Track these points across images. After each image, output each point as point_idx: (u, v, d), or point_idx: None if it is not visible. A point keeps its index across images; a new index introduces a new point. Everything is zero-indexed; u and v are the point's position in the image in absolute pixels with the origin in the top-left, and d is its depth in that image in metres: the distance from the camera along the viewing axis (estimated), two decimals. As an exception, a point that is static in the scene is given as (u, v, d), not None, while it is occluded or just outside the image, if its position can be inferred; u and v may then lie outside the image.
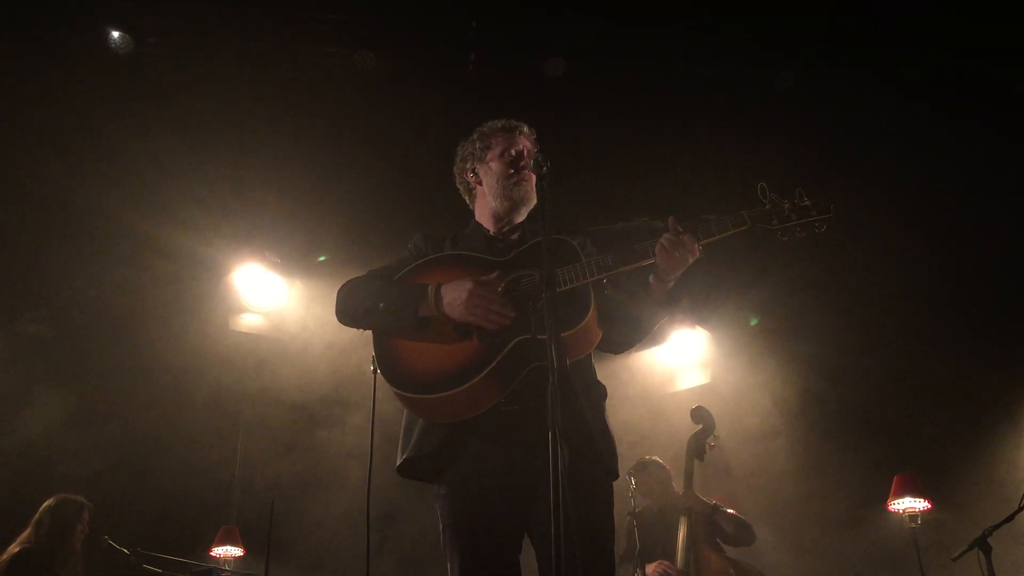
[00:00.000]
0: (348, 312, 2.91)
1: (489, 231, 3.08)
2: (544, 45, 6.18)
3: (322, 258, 7.51)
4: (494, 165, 3.06)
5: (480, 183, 3.12)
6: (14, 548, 5.14)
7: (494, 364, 2.62)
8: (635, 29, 6.07)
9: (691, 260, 2.70)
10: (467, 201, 3.25)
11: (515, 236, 3.03)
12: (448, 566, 2.73)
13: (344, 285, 2.96)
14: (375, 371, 2.82)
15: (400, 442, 2.85)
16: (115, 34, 5.85)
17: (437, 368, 2.69)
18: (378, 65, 6.16)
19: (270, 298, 7.49)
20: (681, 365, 8.24)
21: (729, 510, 5.34)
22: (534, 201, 3.02)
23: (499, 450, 2.70)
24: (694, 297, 2.73)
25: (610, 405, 2.95)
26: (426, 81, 6.32)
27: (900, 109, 6.36)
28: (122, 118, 6.14)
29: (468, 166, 3.16)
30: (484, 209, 3.12)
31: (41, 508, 5.30)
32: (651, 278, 2.78)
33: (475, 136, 3.16)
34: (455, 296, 2.69)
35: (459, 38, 6.12)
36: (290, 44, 6.11)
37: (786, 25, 6.00)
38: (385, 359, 2.79)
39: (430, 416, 2.76)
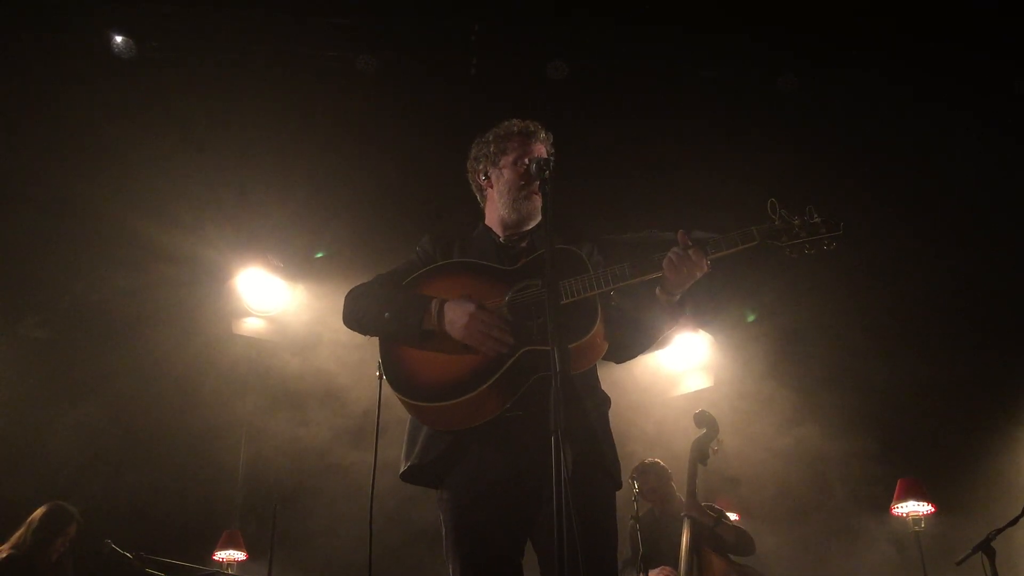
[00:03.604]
0: (355, 319, 2.90)
1: (498, 237, 3.03)
2: (546, 48, 6.19)
3: (319, 254, 7.51)
4: (506, 173, 3.00)
5: (491, 186, 3.07)
6: (4, 551, 5.15)
7: (499, 374, 2.62)
8: (637, 32, 6.07)
9: (699, 275, 2.69)
10: (478, 199, 3.20)
11: (524, 244, 3.00)
12: (449, 570, 2.72)
13: (351, 291, 2.94)
14: (381, 376, 2.82)
15: (404, 449, 2.85)
16: (118, 38, 5.87)
17: (443, 377, 2.68)
18: (380, 69, 6.17)
19: (273, 302, 7.50)
20: (684, 369, 8.23)
21: (732, 515, 5.32)
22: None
23: (502, 455, 2.69)
24: (698, 302, 2.74)
25: (612, 409, 2.94)
26: (428, 85, 6.32)
27: (905, 110, 6.35)
28: (125, 122, 6.15)
29: (480, 167, 3.10)
30: (493, 213, 3.07)
31: (35, 512, 5.30)
32: (657, 290, 2.77)
33: (491, 137, 3.08)
34: (454, 317, 2.67)
35: (461, 42, 6.13)
36: (293, 48, 6.12)
37: (789, 27, 6.00)
38: (391, 366, 2.78)
39: (434, 424, 2.76)
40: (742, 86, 6.38)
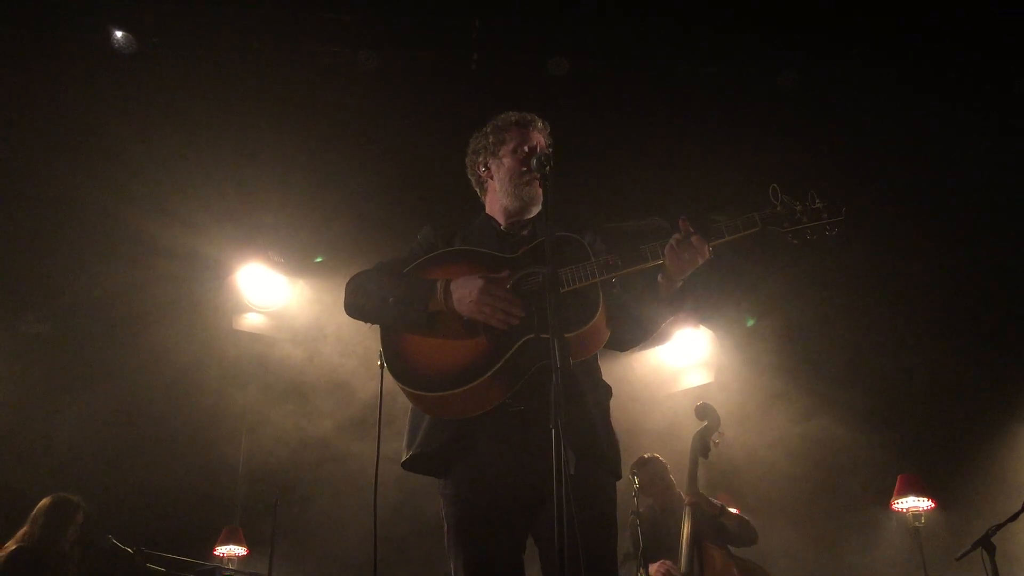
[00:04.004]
0: (357, 305, 2.89)
1: (500, 225, 3.05)
2: (547, 44, 6.19)
3: (319, 259, 7.51)
4: (506, 161, 3.03)
5: (492, 177, 3.10)
6: (11, 545, 5.14)
7: (500, 363, 2.62)
8: (638, 29, 6.07)
9: (700, 262, 2.69)
10: (478, 192, 3.23)
11: (525, 232, 3.02)
12: (451, 565, 2.72)
13: (353, 278, 2.93)
14: (382, 365, 2.81)
15: (406, 438, 2.84)
16: (118, 34, 5.87)
17: (444, 365, 2.68)
18: (381, 64, 6.17)
19: (273, 298, 7.50)
20: (684, 364, 8.23)
21: (733, 510, 5.33)
22: None
23: (505, 449, 2.69)
24: (699, 296, 2.79)
25: (612, 405, 2.94)
26: (429, 81, 6.32)
27: (906, 107, 6.35)
28: (126, 118, 6.15)
29: (480, 159, 3.14)
30: (495, 203, 3.10)
31: (37, 506, 5.30)
32: (659, 278, 2.78)
33: (488, 129, 3.13)
34: (465, 292, 2.68)
35: (462, 38, 6.13)
36: (293, 44, 6.13)
37: (790, 25, 6.00)
38: (392, 355, 2.77)
39: (436, 413, 2.76)
40: (743, 82, 6.38)
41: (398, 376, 2.72)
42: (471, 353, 2.67)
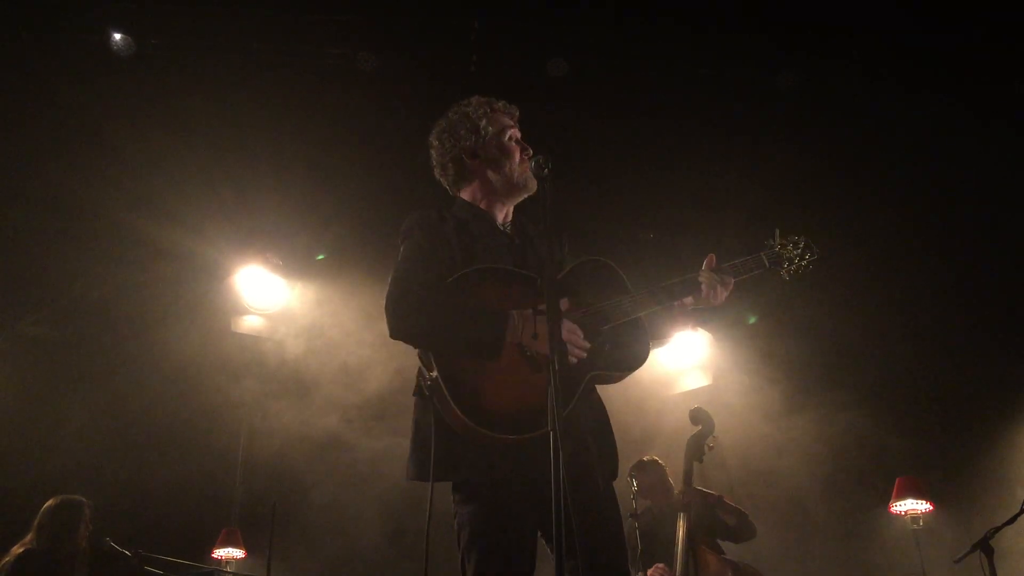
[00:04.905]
0: (415, 331, 2.68)
1: (493, 218, 2.96)
2: (546, 46, 6.19)
3: (320, 256, 7.50)
4: (508, 144, 2.95)
5: (486, 163, 2.95)
6: (17, 549, 5.11)
7: (571, 406, 2.58)
8: (637, 29, 6.07)
9: (726, 295, 3.02)
10: (445, 180, 3.07)
11: (516, 227, 3.00)
12: (462, 569, 2.65)
13: (402, 298, 2.69)
14: (428, 390, 2.60)
15: (433, 455, 2.60)
16: (117, 36, 5.86)
17: (512, 406, 2.56)
18: (380, 66, 6.16)
19: (272, 300, 7.49)
20: (683, 367, 8.24)
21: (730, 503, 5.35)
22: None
23: (524, 459, 2.58)
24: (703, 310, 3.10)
25: (611, 408, 2.95)
26: (428, 82, 6.31)
27: (907, 108, 6.34)
28: (124, 120, 6.15)
29: (467, 143, 2.96)
30: (482, 191, 2.97)
31: (41, 510, 5.27)
32: (685, 300, 2.99)
33: (472, 112, 3.00)
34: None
35: (461, 39, 6.12)
36: (292, 45, 6.11)
37: (788, 25, 6.00)
38: (459, 388, 2.55)
39: (481, 441, 2.59)
40: (742, 83, 6.37)
41: (470, 416, 2.52)
42: (538, 396, 2.43)
